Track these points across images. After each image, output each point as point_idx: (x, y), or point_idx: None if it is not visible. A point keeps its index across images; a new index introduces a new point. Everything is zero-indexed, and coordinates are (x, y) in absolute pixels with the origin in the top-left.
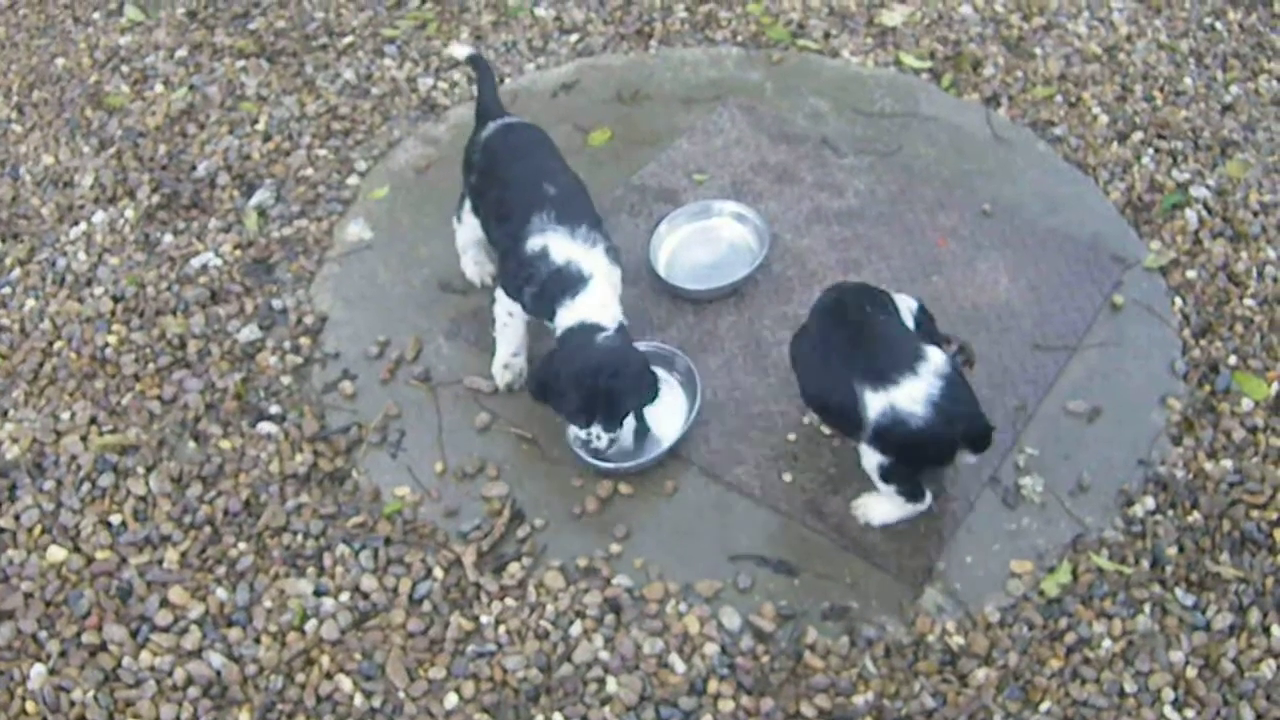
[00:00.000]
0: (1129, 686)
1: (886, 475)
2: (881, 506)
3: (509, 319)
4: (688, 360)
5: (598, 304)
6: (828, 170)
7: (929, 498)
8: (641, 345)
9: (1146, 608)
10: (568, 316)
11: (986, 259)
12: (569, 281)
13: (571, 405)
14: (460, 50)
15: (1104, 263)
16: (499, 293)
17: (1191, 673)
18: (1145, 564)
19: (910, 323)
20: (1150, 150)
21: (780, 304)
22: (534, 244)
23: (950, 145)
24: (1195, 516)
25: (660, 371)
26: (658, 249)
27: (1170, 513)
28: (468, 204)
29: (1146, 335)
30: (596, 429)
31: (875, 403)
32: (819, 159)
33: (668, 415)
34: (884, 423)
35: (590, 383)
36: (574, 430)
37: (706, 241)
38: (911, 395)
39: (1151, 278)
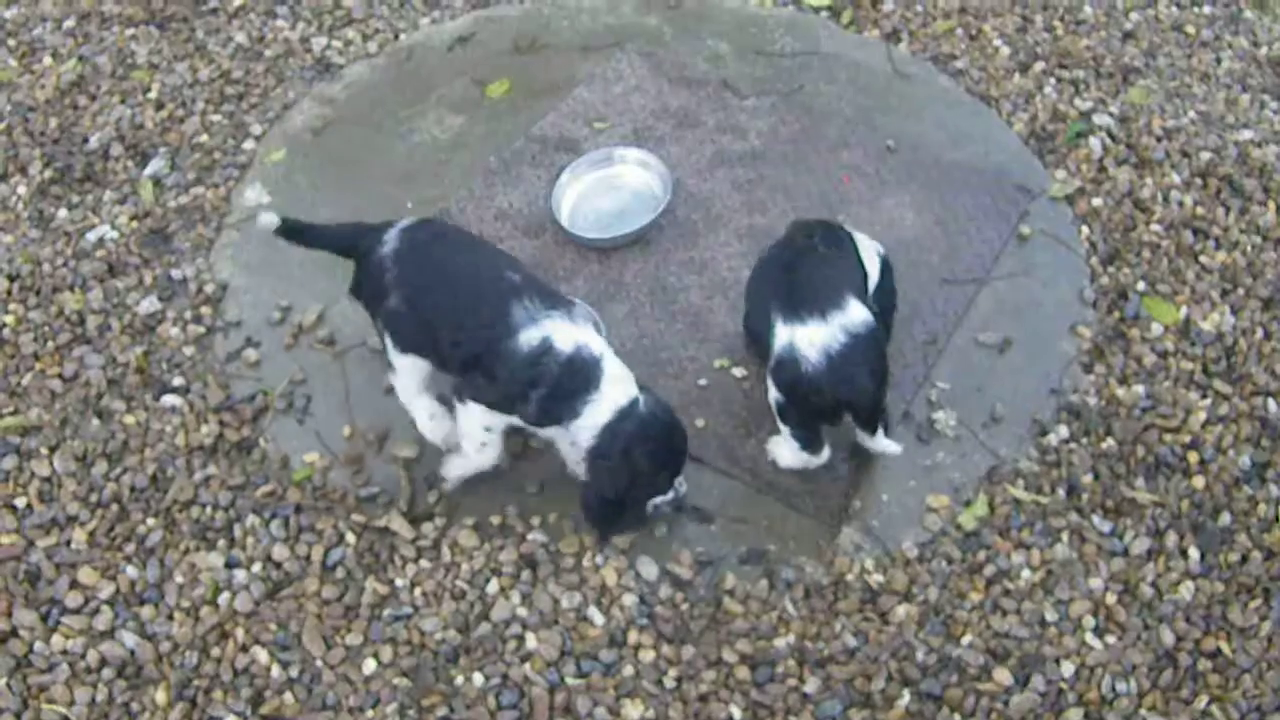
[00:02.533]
0: (1050, 616)
1: (781, 414)
2: (785, 449)
3: (488, 435)
4: (592, 311)
5: (620, 380)
6: (729, 113)
7: (826, 452)
8: None
9: (1064, 536)
10: (599, 413)
11: (892, 195)
12: (586, 370)
13: (665, 481)
14: (266, 219)
15: (1010, 194)
16: (475, 410)
17: (1111, 599)
18: (1061, 493)
19: (874, 269)
20: (1052, 80)
21: (686, 249)
22: (530, 337)
23: (851, 83)
24: (1109, 443)
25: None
26: (560, 199)
27: (1084, 440)
28: (390, 344)
29: (1055, 264)
30: (679, 479)
31: (781, 335)
32: (720, 102)
33: None
34: (781, 357)
35: (673, 450)
36: (656, 501)
37: (610, 190)
38: (811, 339)
39: (1058, 207)
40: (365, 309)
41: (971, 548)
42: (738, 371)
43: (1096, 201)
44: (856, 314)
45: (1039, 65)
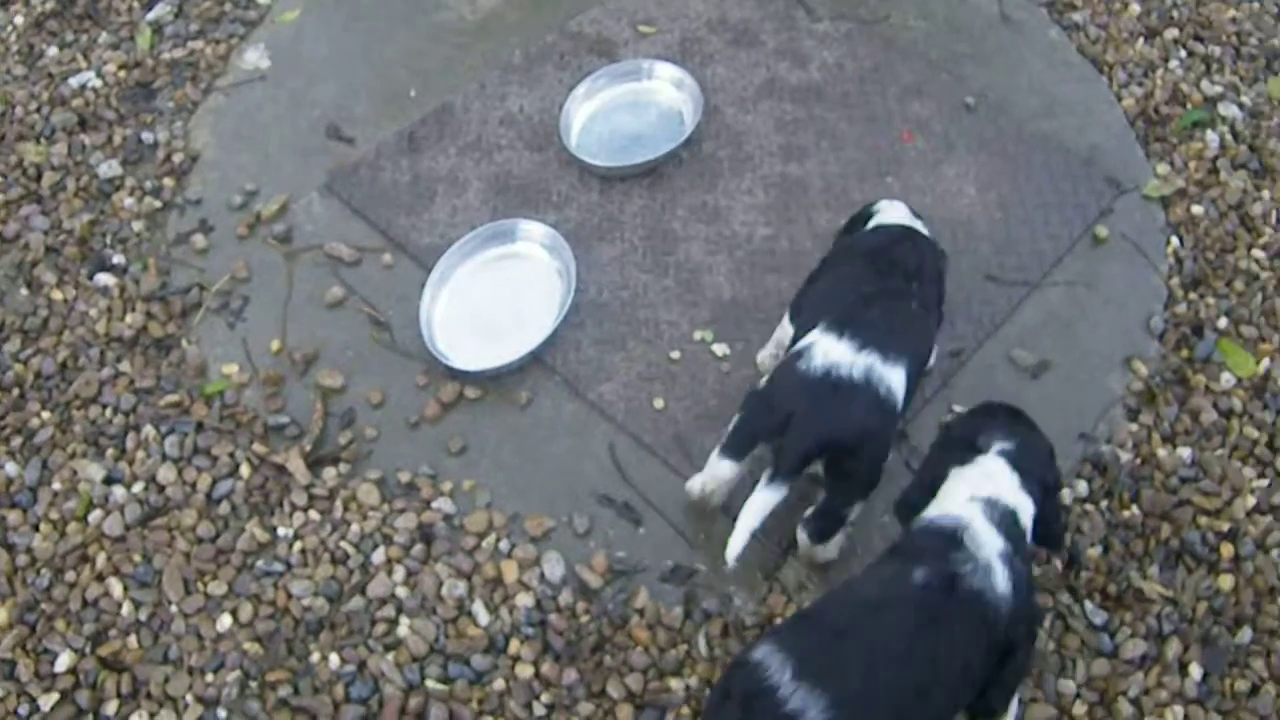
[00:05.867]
0: None
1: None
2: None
3: None
4: (565, 245)
5: None
6: (795, 34)
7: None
8: (525, 222)
9: (1047, 620)
10: None
11: (956, 162)
12: None
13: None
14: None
15: (1095, 183)
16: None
17: (1080, 709)
18: (1058, 563)
19: None
20: (1182, 52)
21: (701, 191)
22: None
23: (946, 21)
24: (1132, 513)
25: (535, 249)
26: (571, 114)
27: (1103, 504)
28: None
29: (1127, 278)
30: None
31: (812, 336)
32: (788, 20)
33: (539, 310)
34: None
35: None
36: None
37: (631, 107)
38: (829, 351)
39: (1148, 209)
40: None
41: None
42: (719, 349)
43: (1196, 209)
44: (894, 379)
45: (1170, 32)
